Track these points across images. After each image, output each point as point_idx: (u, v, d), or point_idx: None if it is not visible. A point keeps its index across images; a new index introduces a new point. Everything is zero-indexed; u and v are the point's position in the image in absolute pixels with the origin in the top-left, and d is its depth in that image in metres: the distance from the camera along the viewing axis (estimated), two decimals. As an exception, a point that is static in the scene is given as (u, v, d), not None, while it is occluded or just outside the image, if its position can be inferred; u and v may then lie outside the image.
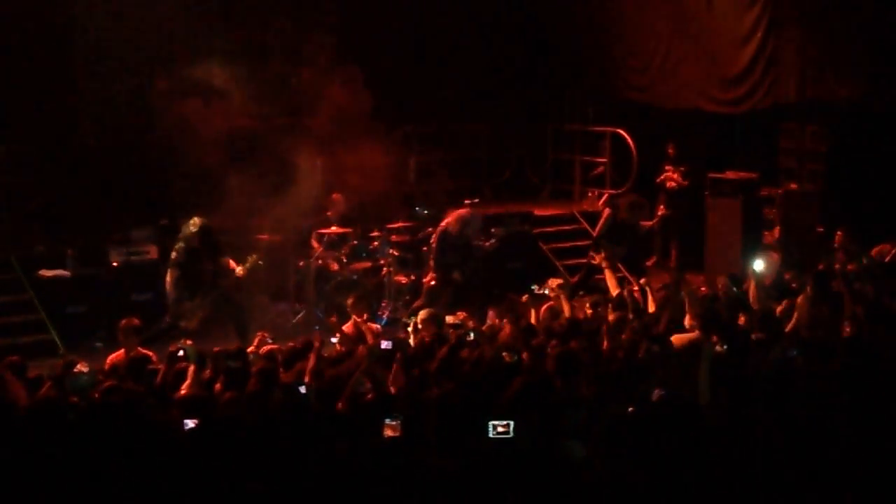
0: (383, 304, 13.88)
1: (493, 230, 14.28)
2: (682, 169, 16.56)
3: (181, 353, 8.64)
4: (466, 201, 14.26)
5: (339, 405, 7.79)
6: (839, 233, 13.94)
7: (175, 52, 15.36)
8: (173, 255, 12.32)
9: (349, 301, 11.36)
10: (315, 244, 14.06)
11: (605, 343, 9.46)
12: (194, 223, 12.27)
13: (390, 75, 16.74)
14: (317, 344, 9.15)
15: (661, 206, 16.61)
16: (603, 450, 6.80)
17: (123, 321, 10.41)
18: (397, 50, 17.04)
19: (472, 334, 9.25)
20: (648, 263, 16.01)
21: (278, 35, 16.34)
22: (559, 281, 11.25)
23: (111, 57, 15.25)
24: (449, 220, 13.42)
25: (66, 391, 7.92)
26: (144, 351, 10.12)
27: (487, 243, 14.00)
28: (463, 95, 17.72)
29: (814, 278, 10.85)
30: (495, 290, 14.90)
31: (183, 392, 8.26)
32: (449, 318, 10.52)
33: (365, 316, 11.19)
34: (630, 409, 7.28)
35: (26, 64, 15.10)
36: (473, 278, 13.59)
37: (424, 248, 14.37)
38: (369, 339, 10.58)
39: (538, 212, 16.97)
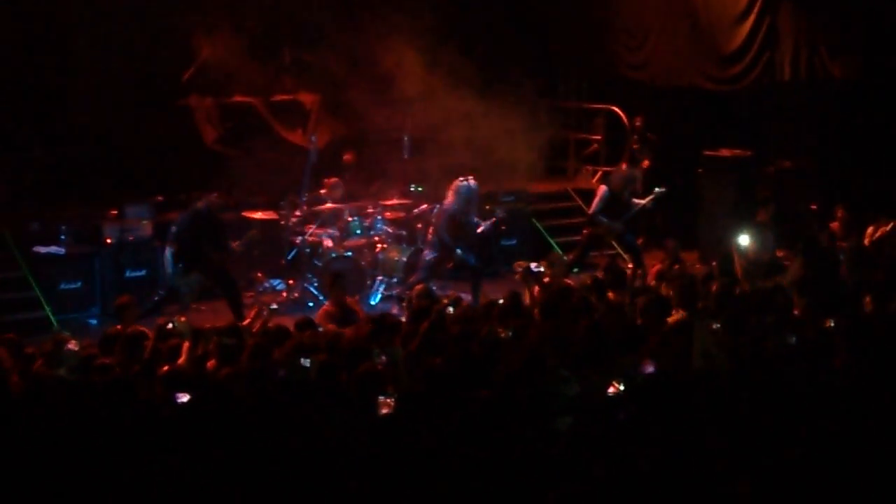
0: (378, 280, 13.86)
1: (495, 210, 13.97)
2: (651, 139, 16.62)
3: (170, 326, 8.63)
4: (461, 179, 14.16)
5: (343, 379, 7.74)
6: (839, 210, 13.93)
7: (171, 26, 15.26)
8: (173, 228, 12.31)
9: (328, 283, 11.35)
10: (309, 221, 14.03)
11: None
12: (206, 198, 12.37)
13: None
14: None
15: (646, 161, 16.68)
16: (595, 426, 6.83)
17: (121, 298, 10.39)
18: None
19: (450, 308, 9.23)
20: (638, 242, 15.98)
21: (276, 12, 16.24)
22: (554, 256, 11.18)
23: (105, 31, 15.16)
24: (449, 198, 13.15)
25: (56, 368, 7.93)
26: (140, 328, 10.11)
27: (482, 226, 13.51)
28: (458, 72, 17.61)
29: (804, 243, 10.96)
30: (489, 269, 14.97)
31: (176, 366, 8.24)
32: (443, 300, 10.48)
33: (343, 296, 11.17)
34: (622, 385, 7.31)
35: (18, 38, 15.03)
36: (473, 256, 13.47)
37: (419, 226, 14.31)
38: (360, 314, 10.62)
39: (532, 188, 16.94)
